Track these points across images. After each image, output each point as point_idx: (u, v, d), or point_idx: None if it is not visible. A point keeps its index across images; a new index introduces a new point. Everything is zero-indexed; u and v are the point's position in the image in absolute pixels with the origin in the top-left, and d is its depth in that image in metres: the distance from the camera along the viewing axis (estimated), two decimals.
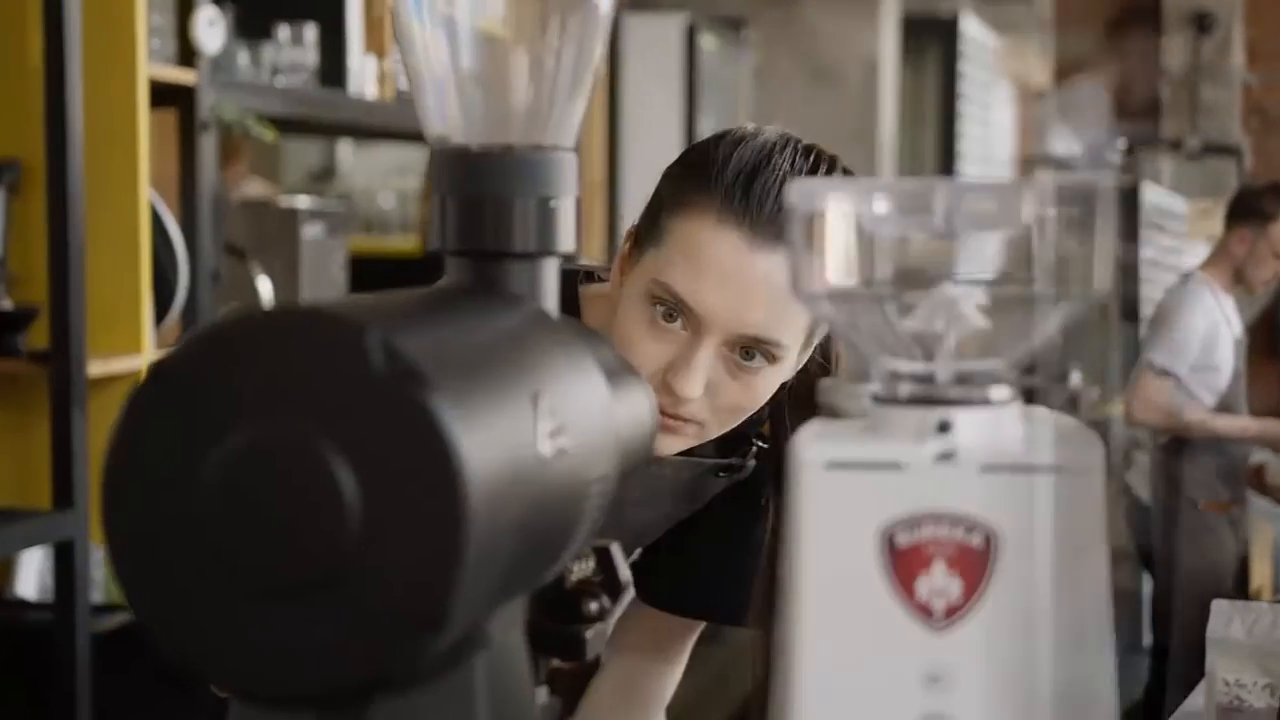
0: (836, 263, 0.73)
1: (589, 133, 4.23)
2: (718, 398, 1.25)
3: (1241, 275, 4.30)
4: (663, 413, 1.24)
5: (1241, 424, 4.36)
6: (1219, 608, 1.96)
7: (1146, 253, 6.84)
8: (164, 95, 2.60)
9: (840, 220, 0.73)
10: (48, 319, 2.35)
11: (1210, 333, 4.24)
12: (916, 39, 6.80)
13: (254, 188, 3.76)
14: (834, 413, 0.80)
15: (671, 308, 1.23)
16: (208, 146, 2.65)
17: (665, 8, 5.51)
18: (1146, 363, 4.23)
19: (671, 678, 1.53)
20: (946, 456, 0.69)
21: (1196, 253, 8.47)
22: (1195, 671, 4.73)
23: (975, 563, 0.68)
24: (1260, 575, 4.68)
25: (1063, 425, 0.75)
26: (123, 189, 2.46)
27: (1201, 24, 9.29)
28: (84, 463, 2.34)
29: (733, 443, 1.38)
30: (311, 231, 2.99)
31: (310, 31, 2.99)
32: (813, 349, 1.32)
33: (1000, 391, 0.72)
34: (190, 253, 2.63)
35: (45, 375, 2.36)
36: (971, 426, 0.70)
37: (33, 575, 2.69)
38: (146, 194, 2.49)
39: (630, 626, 1.43)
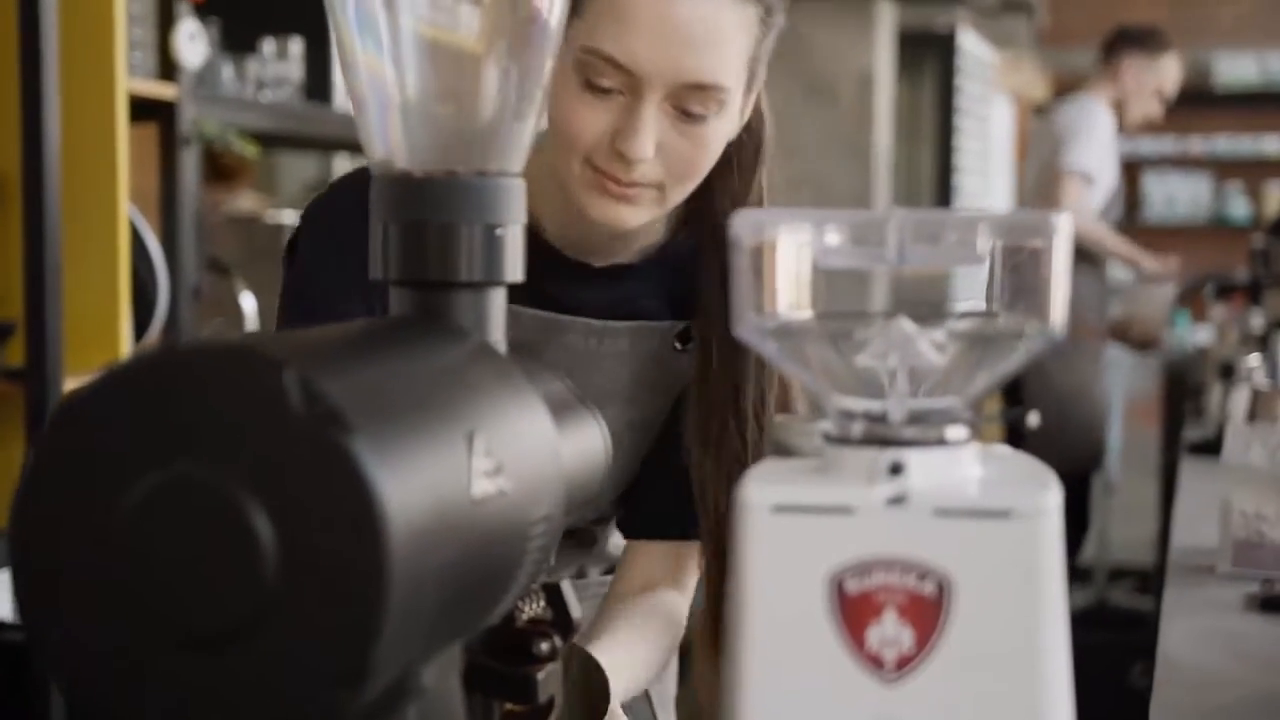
0: (785, 295, 0.70)
1: None
2: (669, 157, 1.22)
3: (1122, 106, 4.39)
4: (617, 182, 1.22)
5: (1126, 247, 4.55)
6: (1235, 430, 1.86)
7: (958, 100, 7.00)
8: (145, 109, 2.57)
9: (788, 252, 0.70)
10: (24, 336, 2.32)
11: (1105, 146, 4.37)
12: (914, 53, 6.78)
13: (246, 202, 3.74)
14: (787, 451, 0.77)
15: (604, 73, 1.20)
16: (189, 161, 2.62)
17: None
18: (1069, 167, 4.27)
19: (686, 604, 1.48)
20: (898, 500, 0.66)
21: (1002, 104, 8.49)
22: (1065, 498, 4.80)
23: (928, 611, 0.66)
24: None
25: (1020, 464, 0.72)
26: (101, 204, 2.43)
27: None
28: None
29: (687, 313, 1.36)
30: None
31: (295, 45, 2.97)
32: (754, 96, 1.29)
33: (956, 431, 0.69)
34: (171, 269, 2.61)
35: (20, 393, 2.33)
36: (925, 468, 0.67)
37: (7, 595, 2.66)
38: (126, 209, 2.46)
39: (632, 569, 1.41)
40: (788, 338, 0.70)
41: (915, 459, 0.68)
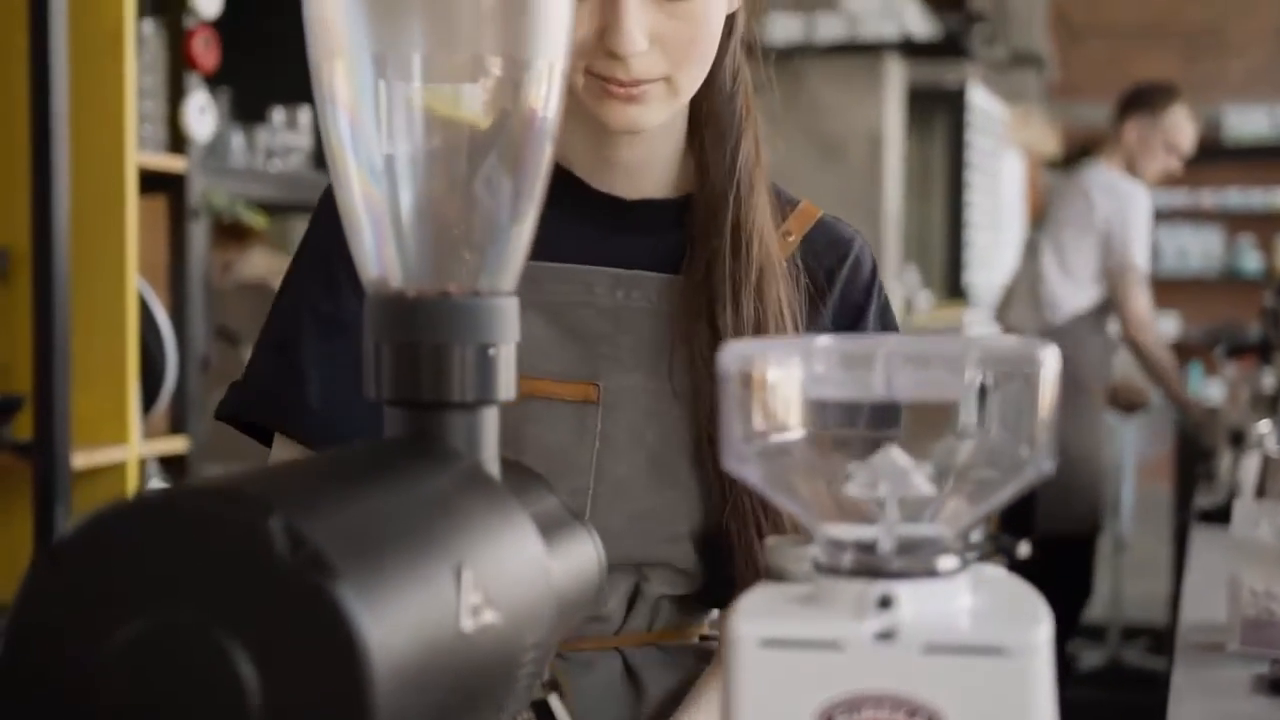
0: (772, 425, 0.70)
1: None
2: (666, 43, 1.15)
3: (1134, 167, 4.40)
4: (620, 84, 1.15)
5: (1178, 384, 4.51)
6: (1243, 508, 1.83)
7: (968, 156, 7.02)
8: (155, 182, 2.59)
9: (776, 381, 0.70)
10: (32, 409, 2.33)
11: None
12: (924, 109, 6.80)
13: (258, 260, 3.75)
14: (779, 575, 0.77)
15: None
16: (198, 233, 2.64)
17: None
18: (1133, 265, 4.26)
19: None
20: (887, 635, 0.66)
21: (1013, 158, 8.52)
22: (1066, 562, 4.69)
23: None
24: None
25: (1011, 592, 0.72)
26: (111, 277, 2.44)
27: None
28: None
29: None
30: None
31: (305, 115, 2.98)
32: None
33: (946, 561, 0.69)
34: (180, 340, 2.61)
35: (29, 468, 2.33)
36: (916, 600, 0.67)
37: None
38: (135, 282, 2.47)
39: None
40: (775, 467, 0.70)
41: (905, 591, 0.67)
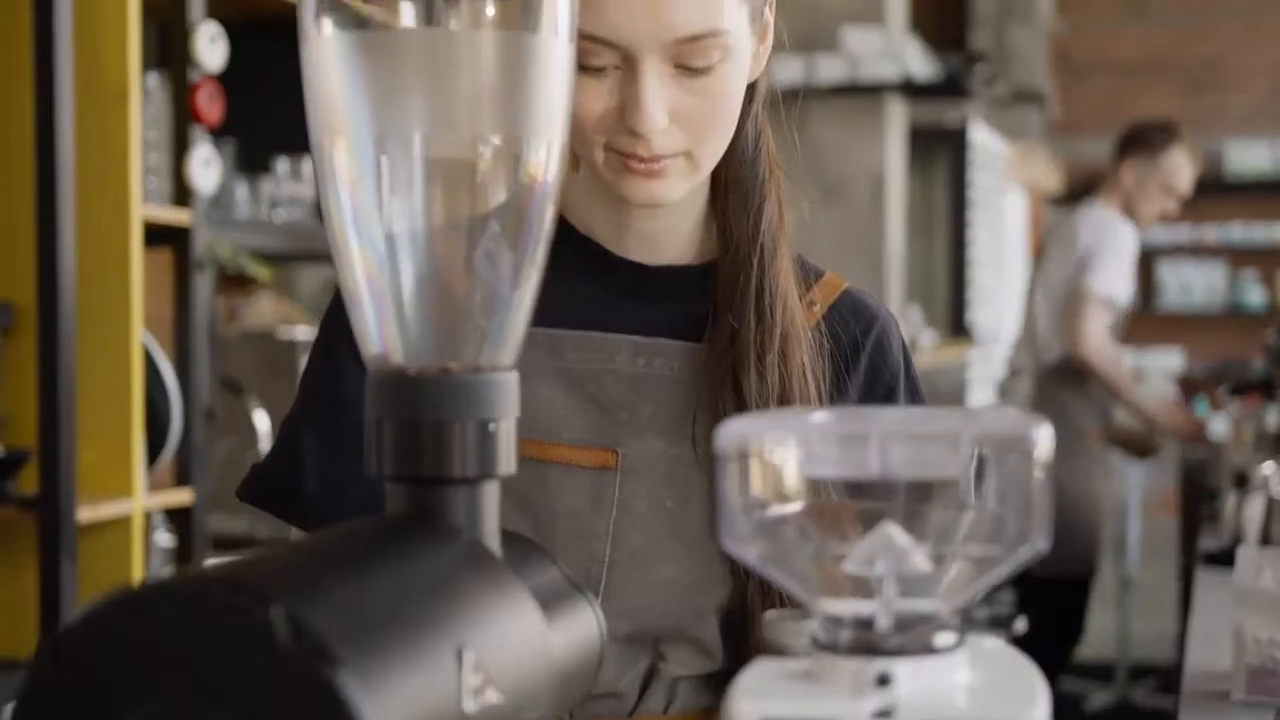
0: (769, 502, 0.71)
1: None
2: (685, 119, 1.14)
3: (1131, 208, 4.39)
4: (640, 160, 1.14)
5: (1152, 404, 4.53)
6: (1246, 555, 1.83)
7: (971, 194, 7.03)
8: (159, 234, 2.60)
9: (772, 460, 0.70)
10: (38, 464, 2.34)
11: (1131, 266, 4.40)
12: (926, 148, 6.82)
13: (265, 306, 3.76)
14: (778, 650, 0.78)
15: (593, 53, 1.12)
16: (202, 286, 2.65)
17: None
18: (1089, 290, 4.24)
19: None
20: (885, 714, 0.66)
21: (1015, 196, 8.53)
22: (1059, 604, 4.67)
23: None
24: None
25: (1009, 666, 0.72)
26: (116, 331, 2.45)
27: None
28: (73, 612, 2.31)
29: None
30: None
31: (308, 164, 3.00)
32: (768, 28, 1.22)
33: (944, 638, 0.69)
34: (184, 392, 2.62)
35: (34, 522, 2.34)
36: (914, 678, 0.68)
37: None
38: (139, 335, 2.48)
39: None
40: (773, 545, 0.71)
41: (903, 669, 0.68)
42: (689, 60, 1.12)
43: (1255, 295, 10.00)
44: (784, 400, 1.18)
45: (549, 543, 1.18)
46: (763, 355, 1.19)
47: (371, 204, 0.80)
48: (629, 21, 1.10)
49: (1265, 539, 2.76)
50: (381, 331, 0.81)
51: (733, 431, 0.70)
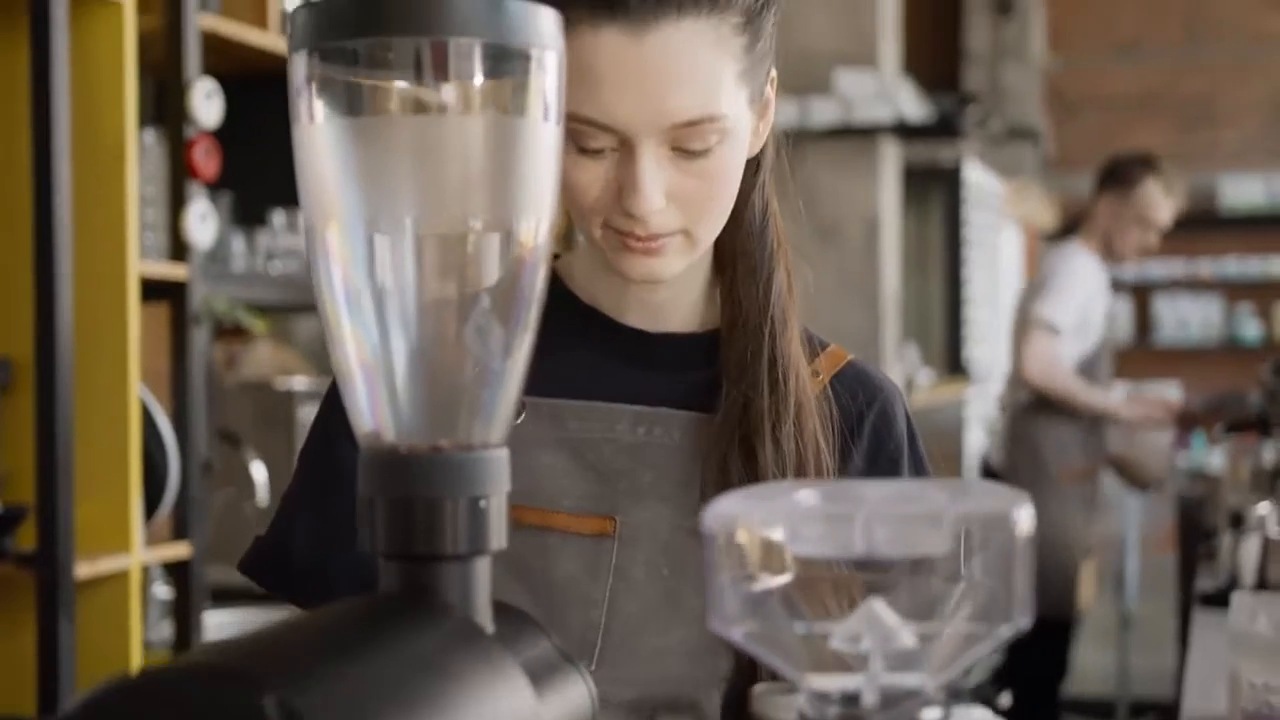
0: (757, 581, 0.72)
1: None
2: (683, 200, 1.14)
3: (1110, 243, 4.39)
4: (638, 238, 1.15)
5: (1109, 401, 4.44)
6: (1240, 601, 1.83)
7: (966, 232, 7.04)
8: (156, 289, 2.62)
9: (760, 541, 0.71)
10: (35, 520, 2.34)
11: (1089, 296, 4.35)
12: (920, 188, 6.85)
13: (263, 353, 3.77)
14: None
15: (591, 135, 1.12)
16: (199, 339, 2.66)
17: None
18: (1034, 316, 4.27)
19: None
20: None
21: (1010, 232, 8.55)
22: (1041, 645, 4.63)
23: None
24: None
25: None
26: (113, 387, 2.46)
27: (1002, 5, 9.40)
28: (70, 669, 2.31)
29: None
30: (309, 413, 2.99)
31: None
32: (768, 107, 1.21)
33: (930, 713, 0.70)
34: (182, 445, 2.63)
35: (32, 579, 2.34)
36: None
37: None
38: (137, 391, 2.49)
39: None
40: (760, 623, 0.72)
41: None
42: (686, 143, 1.13)
43: (1251, 329, 10.03)
44: (800, 470, 1.19)
45: (546, 609, 1.18)
46: (778, 425, 1.19)
47: (363, 285, 0.81)
48: (626, 107, 1.10)
49: (1262, 580, 2.77)
50: (374, 410, 0.83)
51: (720, 511, 0.71)
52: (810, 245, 5.21)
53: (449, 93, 0.79)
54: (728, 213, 1.18)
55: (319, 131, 0.80)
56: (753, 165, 1.23)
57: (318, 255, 0.82)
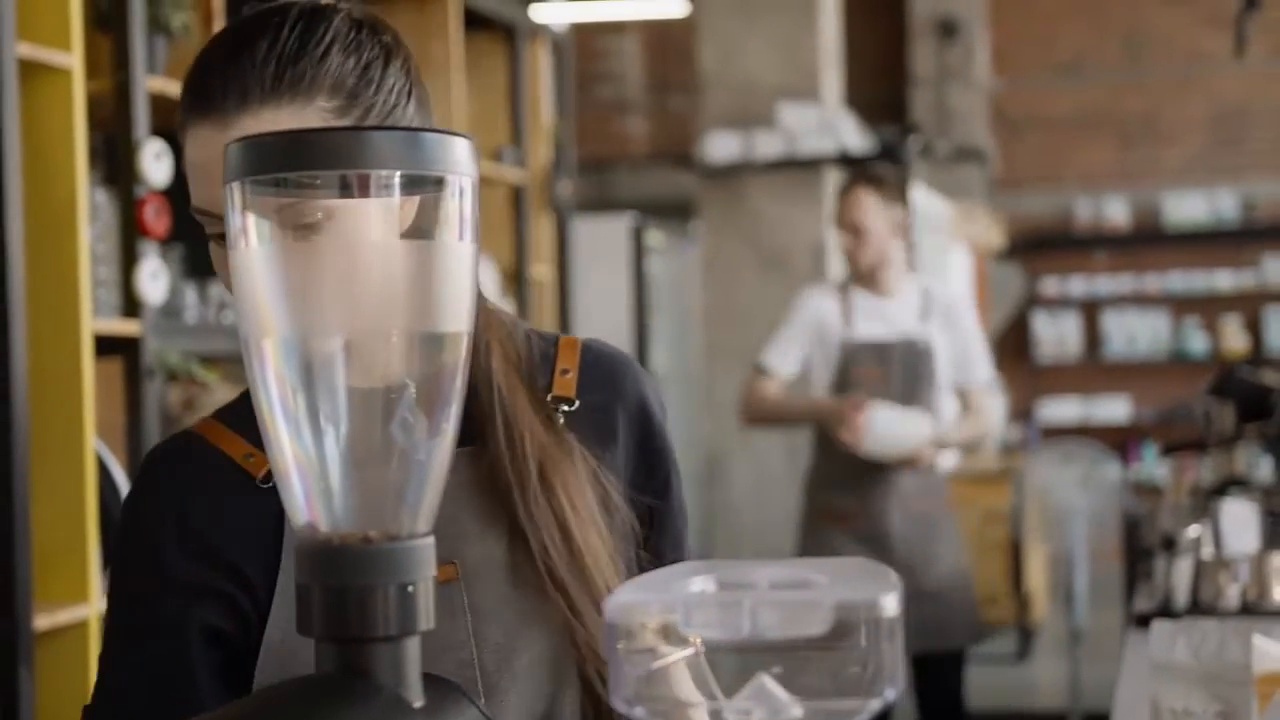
0: (654, 663, 0.80)
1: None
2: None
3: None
4: None
5: (805, 403, 4.16)
6: (1160, 628, 1.91)
7: (914, 256, 7.07)
8: (110, 344, 2.68)
9: (657, 627, 0.79)
10: None
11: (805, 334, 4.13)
12: None
13: (219, 396, 3.81)
14: None
15: (210, 223, 1.19)
16: (153, 393, 2.72)
17: (614, 207, 5.64)
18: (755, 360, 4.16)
19: None
20: None
21: (959, 253, 8.67)
22: (940, 675, 4.43)
23: None
24: None
25: None
26: (68, 441, 2.52)
27: (945, 29, 9.52)
28: (30, 719, 2.36)
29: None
30: None
31: None
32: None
33: None
34: None
35: None
36: None
37: None
38: (92, 445, 2.55)
39: None
40: (659, 700, 0.79)
41: None
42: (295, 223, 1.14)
43: (1198, 342, 10.19)
44: (563, 526, 1.23)
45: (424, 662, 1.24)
46: (525, 488, 1.24)
47: (296, 390, 0.89)
48: (219, 193, 1.11)
49: (1194, 602, 2.85)
50: (309, 504, 0.90)
51: (619, 601, 0.79)
52: (756, 273, 5.26)
53: (371, 218, 0.87)
54: None
55: (252, 254, 0.87)
56: None
57: (254, 364, 0.89)
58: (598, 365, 1.33)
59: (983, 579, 7.23)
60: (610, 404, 1.32)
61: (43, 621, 2.44)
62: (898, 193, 4.08)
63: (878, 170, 4.25)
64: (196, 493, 1.25)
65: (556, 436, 1.27)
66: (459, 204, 0.89)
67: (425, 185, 0.88)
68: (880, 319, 4.08)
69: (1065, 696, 5.59)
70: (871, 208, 4.01)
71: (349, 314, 0.87)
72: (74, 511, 2.52)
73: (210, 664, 1.24)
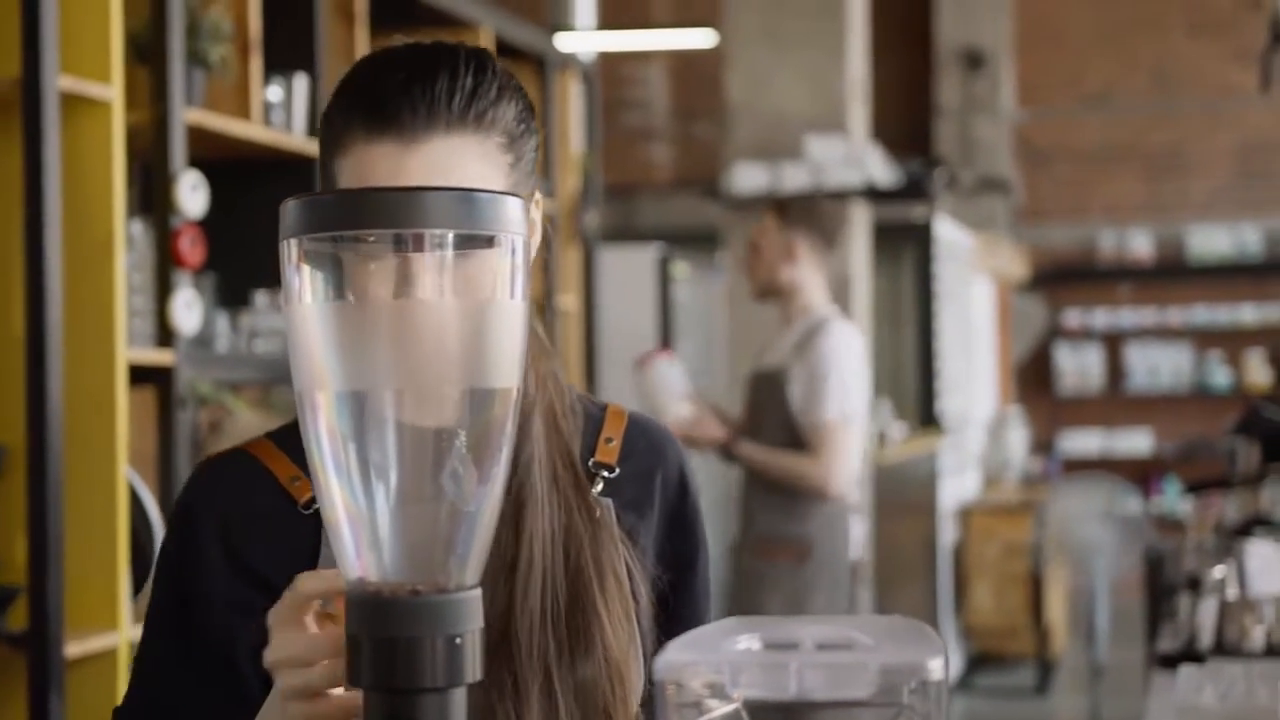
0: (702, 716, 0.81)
1: (567, 362, 4.31)
2: None
3: None
4: None
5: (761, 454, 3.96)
6: (1187, 674, 1.91)
7: (937, 286, 7.10)
8: (143, 374, 2.70)
9: (705, 686, 0.80)
10: (27, 601, 2.42)
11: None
12: (891, 244, 6.96)
13: (245, 418, 3.83)
14: None
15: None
16: (184, 422, 2.74)
17: (638, 236, 5.63)
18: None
19: None
20: None
21: (982, 284, 8.65)
22: None
23: None
24: None
25: None
26: (101, 470, 2.54)
27: (972, 60, 9.50)
28: None
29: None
30: None
31: None
32: (536, 219, 1.30)
33: None
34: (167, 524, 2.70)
35: (22, 658, 2.41)
36: None
37: None
38: (124, 474, 2.57)
39: None
40: None
41: None
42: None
43: (1221, 376, 10.16)
44: (509, 567, 1.23)
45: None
46: (531, 549, 1.24)
47: (348, 442, 0.90)
48: None
49: (1219, 644, 2.85)
50: (359, 557, 0.92)
51: (667, 662, 0.80)
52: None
53: (424, 277, 0.89)
54: None
55: (308, 310, 0.89)
56: None
57: (307, 417, 0.91)
58: (642, 436, 1.36)
59: (1003, 611, 7.25)
60: (650, 473, 1.34)
61: (74, 649, 2.46)
62: (803, 223, 4.00)
63: (793, 199, 4.30)
64: (241, 510, 1.26)
65: (585, 502, 1.28)
66: (510, 262, 0.91)
67: (477, 243, 0.90)
68: (773, 349, 4.06)
69: None
70: (768, 229, 4.00)
71: (401, 369, 0.89)
72: (106, 540, 2.54)
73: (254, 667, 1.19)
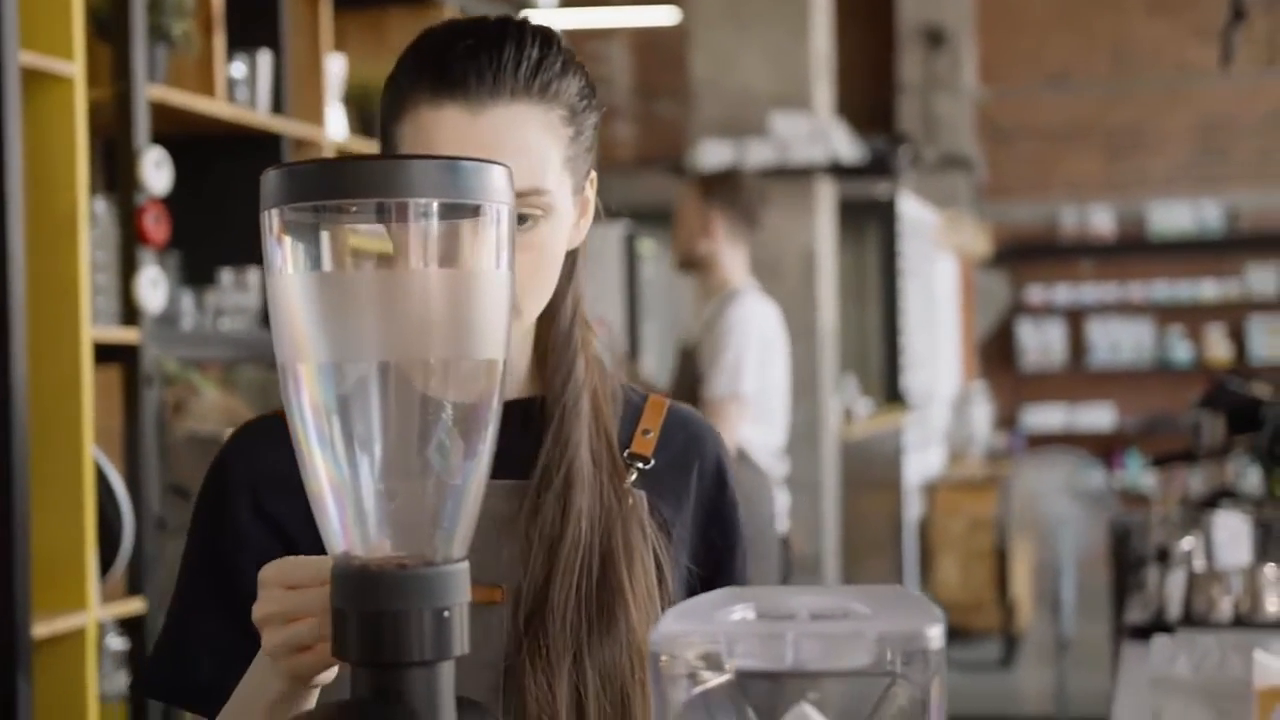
0: (695, 688, 0.80)
1: None
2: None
3: None
4: None
5: None
6: (1161, 643, 1.92)
7: (901, 262, 7.12)
8: (108, 352, 2.67)
9: (701, 655, 0.79)
10: None
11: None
12: (855, 221, 6.96)
13: (210, 398, 3.80)
14: None
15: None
16: (150, 399, 2.72)
17: (605, 215, 5.58)
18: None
19: None
20: None
21: (946, 260, 8.69)
22: None
23: None
24: None
25: None
26: (67, 449, 2.51)
27: (933, 38, 9.54)
28: None
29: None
30: None
31: (253, 275, 3.08)
32: (589, 202, 1.30)
33: None
34: (135, 503, 2.68)
35: None
36: None
37: None
38: (91, 453, 2.55)
39: None
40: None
41: None
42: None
43: (1182, 351, 10.22)
44: (553, 541, 1.24)
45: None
46: (542, 493, 1.25)
47: (332, 415, 0.89)
48: None
49: (1187, 614, 2.86)
50: (344, 530, 0.90)
51: (663, 633, 0.79)
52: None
53: (408, 247, 0.87)
54: (549, 291, 1.26)
55: (290, 281, 0.88)
56: (569, 263, 1.30)
57: (289, 389, 0.89)
58: (681, 428, 1.36)
59: (968, 585, 7.29)
60: (687, 465, 1.35)
61: (41, 629, 2.44)
62: (721, 198, 4.04)
63: (714, 174, 4.30)
64: (269, 469, 1.26)
65: (619, 488, 1.28)
66: (496, 231, 0.89)
67: (462, 213, 0.89)
68: (694, 323, 4.12)
69: (1050, 704, 5.61)
70: (687, 202, 4.05)
71: (385, 340, 0.88)
72: (73, 519, 2.51)
73: None
